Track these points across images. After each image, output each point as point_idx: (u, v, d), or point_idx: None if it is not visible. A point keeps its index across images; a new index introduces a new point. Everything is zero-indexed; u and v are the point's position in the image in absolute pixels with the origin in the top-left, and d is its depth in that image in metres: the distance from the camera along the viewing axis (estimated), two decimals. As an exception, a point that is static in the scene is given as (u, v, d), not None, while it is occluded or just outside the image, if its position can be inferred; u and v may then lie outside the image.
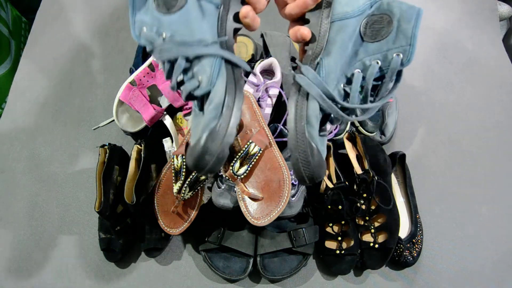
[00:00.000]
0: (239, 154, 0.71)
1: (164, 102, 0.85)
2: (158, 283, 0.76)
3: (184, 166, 0.72)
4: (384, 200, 0.73)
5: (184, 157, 0.72)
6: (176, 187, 0.71)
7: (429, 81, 0.99)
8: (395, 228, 0.72)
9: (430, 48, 1.05)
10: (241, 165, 0.70)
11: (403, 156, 0.82)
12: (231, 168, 0.69)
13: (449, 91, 0.98)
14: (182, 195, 0.70)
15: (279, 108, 0.89)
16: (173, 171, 0.73)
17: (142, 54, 0.95)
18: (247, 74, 0.87)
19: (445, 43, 1.06)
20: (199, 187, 0.72)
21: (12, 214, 0.85)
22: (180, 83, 0.45)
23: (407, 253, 0.73)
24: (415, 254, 0.74)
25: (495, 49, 1.05)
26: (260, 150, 0.71)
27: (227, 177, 0.70)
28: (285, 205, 0.69)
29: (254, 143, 0.72)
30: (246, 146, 0.72)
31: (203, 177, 0.72)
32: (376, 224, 0.73)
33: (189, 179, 0.71)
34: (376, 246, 0.71)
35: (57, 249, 0.80)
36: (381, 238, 0.72)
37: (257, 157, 0.71)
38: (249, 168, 0.70)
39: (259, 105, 0.82)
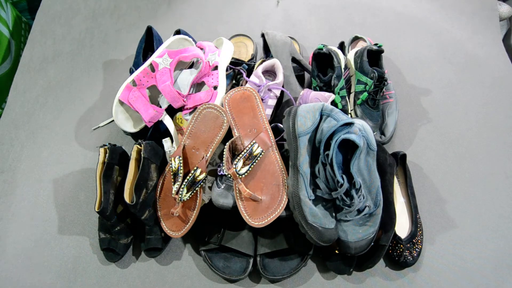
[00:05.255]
0: (242, 153, 0.71)
1: (164, 103, 0.85)
2: (158, 283, 0.76)
3: (181, 168, 0.72)
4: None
5: (180, 158, 0.72)
6: (174, 189, 0.71)
7: (429, 81, 0.99)
8: (390, 227, 0.72)
9: (430, 48, 1.06)
10: (244, 165, 0.70)
11: (404, 156, 0.82)
12: (234, 166, 0.69)
13: (449, 91, 0.98)
14: (180, 196, 0.70)
15: (280, 108, 0.89)
16: (171, 173, 0.73)
17: (142, 54, 0.95)
18: (249, 74, 0.87)
19: (445, 43, 1.06)
20: (197, 188, 0.72)
21: (12, 214, 0.85)
22: None
23: (407, 253, 0.73)
24: (415, 254, 0.74)
25: (495, 49, 1.05)
26: (262, 151, 0.72)
27: (228, 175, 0.70)
28: (282, 209, 0.69)
29: (258, 144, 0.72)
30: (250, 145, 0.72)
31: (200, 177, 0.72)
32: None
33: (186, 180, 0.71)
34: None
35: (57, 249, 0.80)
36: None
37: (259, 159, 0.71)
38: (250, 169, 0.70)
39: (259, 105, 0.82)
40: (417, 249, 0.74)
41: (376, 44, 0.87)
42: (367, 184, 0.70)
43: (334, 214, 0.71)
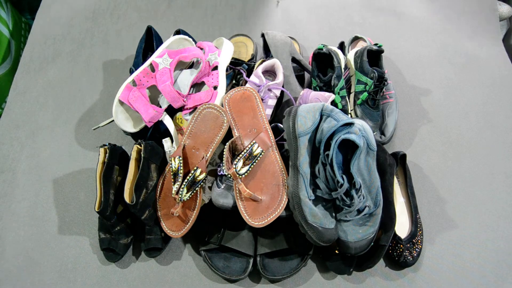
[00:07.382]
0: (242, 153, 0.71)
1: (164, 103, 0.85)
2: (158, 283, 0.76)
3: (181, 168, 0.72)
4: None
5: (181, 158, 0.72)
6: (174, 189, 0.71)
7: (429, 81, 0.99)
8: (390, 227, 0.72)
9: (430, 48, 1.05)
10: (244, 165, 0.70)
11: (404, 156, 0.82)
12: (234, 166, 0.69)
13: (449, 91, 0.98)
14: (180, 195, 0.70)
15: (280, 108, 0.89)
16: (171, 173, 0.73)
17: (142, 54, 0.95)
18: (249, 74, 0.87)
19: (445, 43, 1.06)
20: (197, 188, 0.72)
21: (12, 214, 0.85)
22: None
23: (407, 253, 0.73)
24: (415, 254, 0.74)
25: (495, 49, 1.05)
26: (262, 152, 0.72)
27: (228, 175, 0.70)
28: (282, 209, 0.69)
29: (258, 144, 0.72)
30: (250, 145, 0.72)
31: (200, 177, 0.72)
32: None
33: (186, 180, 0.71)
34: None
35: (57, 249, 0.80)
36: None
37: (259, 159, 0.71)
38: (250, 169, 0.70)
39: (259, 105, 0.82)
40: (417, 249, 0.74)
41: (376, 44, 0.87)
42: (367, 184, 0.70)
43: (334, 214, 0.71)
